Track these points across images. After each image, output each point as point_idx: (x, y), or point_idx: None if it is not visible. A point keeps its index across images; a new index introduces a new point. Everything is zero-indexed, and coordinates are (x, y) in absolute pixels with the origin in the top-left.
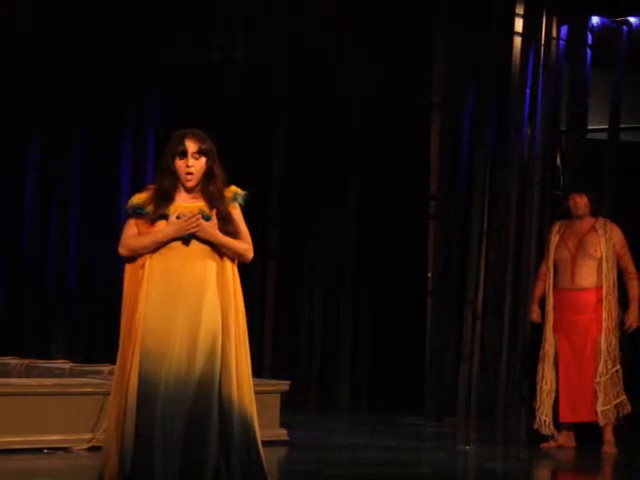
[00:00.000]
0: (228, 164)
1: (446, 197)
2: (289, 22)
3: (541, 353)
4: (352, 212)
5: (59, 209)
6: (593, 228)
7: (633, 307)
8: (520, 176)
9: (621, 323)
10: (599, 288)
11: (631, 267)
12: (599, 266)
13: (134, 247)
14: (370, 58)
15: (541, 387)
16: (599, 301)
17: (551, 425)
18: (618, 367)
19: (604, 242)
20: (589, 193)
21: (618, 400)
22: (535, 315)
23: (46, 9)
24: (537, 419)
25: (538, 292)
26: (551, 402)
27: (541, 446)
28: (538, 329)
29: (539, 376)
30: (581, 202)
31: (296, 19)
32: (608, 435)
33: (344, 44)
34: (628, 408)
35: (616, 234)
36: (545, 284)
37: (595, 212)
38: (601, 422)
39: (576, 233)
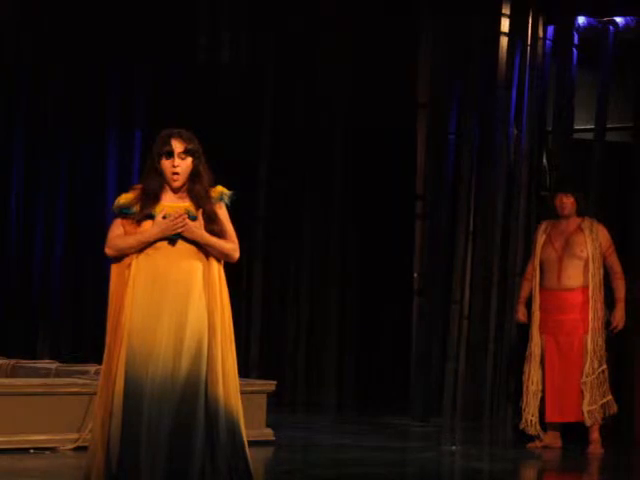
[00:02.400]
0: (214, 164)
1: (432, 197)
2: (275, 23)
3: (527, 353)
4: (338, 212)
5: (45, 209)
6: (579, 228)
7: (619, 307)
8: (506, 176)
9: (607, 323)
10: (585, 288)
11: (617, 267)
12: (585, 266)
13: (120, 247)
14: (356, 58)
15: (527, 387)
16: (585, 301)
17: (537, 425)
18: (604, 367)
19: (590, 242)
20: (575, 193)
21: (604, 400)
22: (521, 315)
23: (32, 9)
24: (523, 419)
25: (524, 292)
26: (537, 402)
27: (527, 446)
28: (524, 329)
29: (525, 376)
30: (567, 202)
31: (282, 20)
32: (594, 435)
33: (331, 44)
34: (614, 408)
35: (602, 234)
36: (531, 284)
37: (581, 212)
38: (587, 422)
39: (562, 233)
